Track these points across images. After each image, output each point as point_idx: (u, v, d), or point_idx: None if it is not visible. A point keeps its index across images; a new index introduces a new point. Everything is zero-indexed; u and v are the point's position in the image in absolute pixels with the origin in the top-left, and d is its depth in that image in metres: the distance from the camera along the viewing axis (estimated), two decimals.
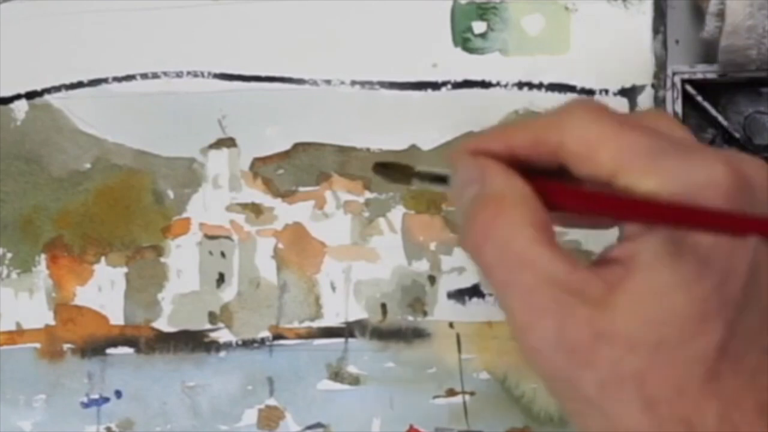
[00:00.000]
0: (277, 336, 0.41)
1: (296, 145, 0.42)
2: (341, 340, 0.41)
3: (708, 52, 0.40)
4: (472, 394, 0.40)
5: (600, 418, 0.25)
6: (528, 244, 0.25)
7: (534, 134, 0.26)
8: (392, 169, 0.35)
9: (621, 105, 0.39)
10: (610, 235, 0.40)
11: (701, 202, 0.24)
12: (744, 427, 0.25)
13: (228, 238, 0.42)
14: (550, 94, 0.40)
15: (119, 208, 0.42)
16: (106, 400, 0.42)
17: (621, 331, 0.24)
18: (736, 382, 0.25)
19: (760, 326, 0.25)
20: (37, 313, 0.43)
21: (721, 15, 0.37)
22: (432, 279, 0.41)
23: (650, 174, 0.24)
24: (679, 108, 0.39)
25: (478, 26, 0.41)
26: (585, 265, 0.25)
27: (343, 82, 0.41)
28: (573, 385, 0.25)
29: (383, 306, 0.41)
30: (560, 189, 0.26)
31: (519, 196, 0.26)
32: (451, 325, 0.40)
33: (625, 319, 0.24)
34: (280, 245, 0.42)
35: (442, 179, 0.29)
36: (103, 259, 0.42)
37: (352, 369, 0.41)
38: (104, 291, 0.42)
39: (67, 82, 0.43)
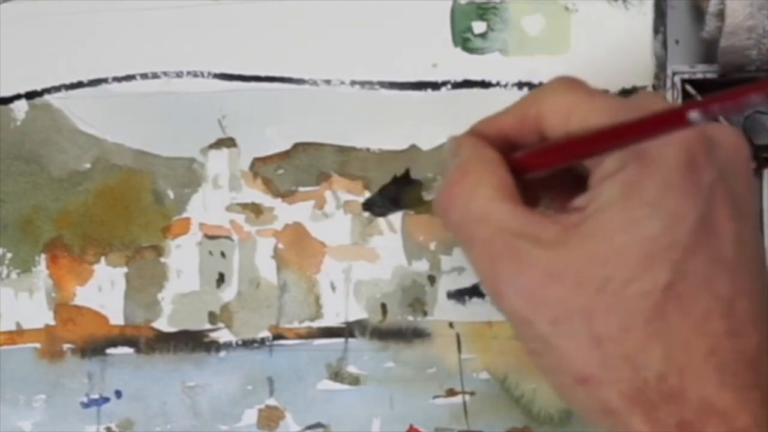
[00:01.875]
0: (277, 336, 0.41)
1: (296, 145, 0.42)
2: (341, 340, 0.41)
3: (708, 52, 0.40)
4: (472, 394, 0.40)
5: (553, 355, 0.26)
6: (486, 201, 0.27)
7: (518, 112, 0.29)
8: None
9: None
10: None
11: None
12: (690, 370, 0.25)
13: (228, 238, 0.42)
14: None
15: (119, 208, 0.42)
16: (106, 400, 0.42)
17: (570, 269, 0.25)
18: (685, 324, 0.25)
19: (711, 271, 0.26)
20: (37, 313, 0.43)
21: (721, 15, 0.37)
22: (432, 279, 0.41)
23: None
24: None
25: (478, 26, 0.41)
26: (543, 215, 0.27)
27: (343, 82, 0.41)
28: (530, 325, 0.26)
29: (383, 306, 0.41)
30: (526, 155, 0.28)
31: (482, 161, 0.28)
32: (451, 325, 0.40)
33: (574, 258, 0.25)
34: (280, 245, 0.42)
35: None
36: (103, 259, 0.43)
37: (352, 369, 0.41)
38: (104, 291, 0.42)
39: (67, 82, 0.43)
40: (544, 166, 0.28)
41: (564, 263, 0.26)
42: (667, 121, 0.24)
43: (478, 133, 0.30)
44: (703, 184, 0.26)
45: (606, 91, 0.28)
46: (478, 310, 0.40)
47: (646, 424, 0.25)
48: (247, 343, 0.42)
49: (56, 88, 0.43)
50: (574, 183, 0.29)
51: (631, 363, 0.25)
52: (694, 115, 0.22)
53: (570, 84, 0.28)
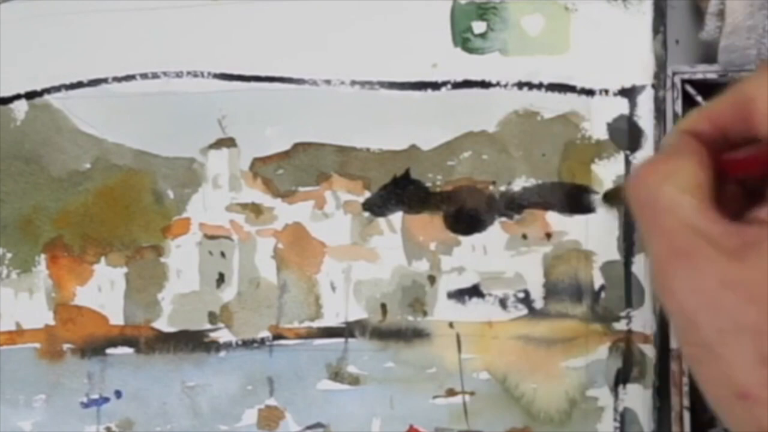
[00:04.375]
0: (277, 336, 0.41)
1: (296, 145, 0.42)
2: (341, 340, 0.41)
3: (708, 52, 0.40)
4: (472, 394, 0.40)
5: (714, 364, 0.26)
6: (677, 191, 0.27)
7: (731, 98, 0.28)
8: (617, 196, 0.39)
9: (621, 105, 0.39)
10: (611, 235, 0.40)
11: None
12: None
13: (228, 238, 0.42)
14: (550, 94, 0.40)
15: (119, 208, 0.42)
16: (106, 400, 0.42)
17: (746, 282, 0.25)
18: None
19: None
20: (37, 313, 0.43)
21: (721, 15, 0.37)
22: (432, 279, 0.41)
23: None
24: (679, 108, 0.39)
25: (478, 26, 0.41)
26: (729, 221, 0.27)
27: (343, 82, 0.41)
28: (696, 328, 0.26)
29: (383, 306, 0.41)
30: (731, 158, 0.28)
31: (686, 153, 0.28)
32: (451, 325, 0.40)
33: (750, 272, 0.25)
34: (280, 245, 0.42)
35: None
36: (103, 259, 0.43)
37: (352, 369, 0.41)
38: (104, 291, 0.42)
39: (67, 82, 0.43)
40: (745, 173, 0.28)
41: (739, 275, 0.25)
42: None
43: (689, 130, 0.29)
44: None
45: None
46: (478, 310, 0.40)
47: None
48: (247, 343, 0.42)
49: (56, 88, 0.43)
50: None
51: None
52: None
53: None
